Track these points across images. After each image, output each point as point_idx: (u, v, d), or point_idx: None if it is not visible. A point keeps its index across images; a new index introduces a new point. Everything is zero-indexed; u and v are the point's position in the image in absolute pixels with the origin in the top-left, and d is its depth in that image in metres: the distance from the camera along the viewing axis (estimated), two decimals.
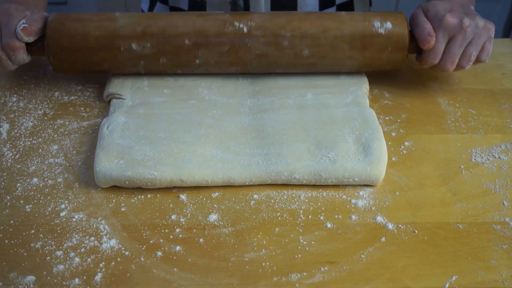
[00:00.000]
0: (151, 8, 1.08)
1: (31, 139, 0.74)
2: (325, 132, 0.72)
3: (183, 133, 0.71)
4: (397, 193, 0.68)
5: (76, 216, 0.63)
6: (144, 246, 0.60)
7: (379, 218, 0.64)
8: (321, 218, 0.64)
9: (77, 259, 0.58)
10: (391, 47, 0.80)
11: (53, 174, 0.69)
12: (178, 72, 0.82)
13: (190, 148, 0.68)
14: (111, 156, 0.67)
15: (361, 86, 0.82)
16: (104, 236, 0.61)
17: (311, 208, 0.65)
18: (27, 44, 0.78)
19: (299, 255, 0.60)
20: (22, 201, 0.65)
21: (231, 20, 0.79)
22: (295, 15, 0.81)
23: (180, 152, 0.68)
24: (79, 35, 0.77)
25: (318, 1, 1.02)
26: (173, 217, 0.64)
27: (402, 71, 0.87)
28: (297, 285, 0.57)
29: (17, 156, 0.72)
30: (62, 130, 0.76)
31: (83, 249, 0.60)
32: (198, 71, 0.82)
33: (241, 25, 0.78)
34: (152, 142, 0.69)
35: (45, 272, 0.57)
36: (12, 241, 0.60)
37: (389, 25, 0.79)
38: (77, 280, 0.56)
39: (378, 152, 0.68)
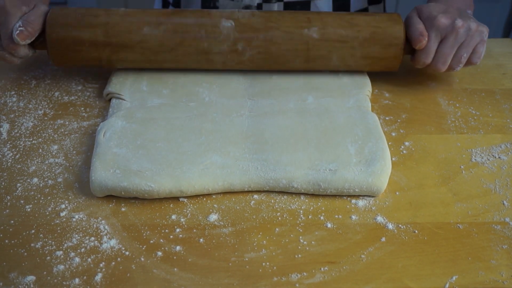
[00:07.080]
0: None
1: (31, 139, 0.74)
2: (326, 140, 0.71)
3: (183, 142, 0.70)
4: (397, 193, 0.68)
5: (76, 216, 0.63)
6: (144, 246, 0.60)
7: (379, 218, 0.64)
8: (321, 218, 0.64)
9: (77, 259, 0.58)
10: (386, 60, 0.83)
11: (53, 174, 0.69)
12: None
13: (190, 159, 0.67)
14: (107, 165, 0.66)
15: (363, 89, 0.82)
16: (104, 236, 0.61)
17: (311, 208, 0.65)
18: None
19: (299, 255, 0.60)
20: (22, 201, 0.65)
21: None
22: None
23: (179, 163, 0.66)
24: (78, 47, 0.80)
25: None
26: (173, 217, 0.64)
27: (402, 71, 0.87)
28: (297, 285, 0.57)
29: (17, 156, 0.72)
30: (62, 130, 0.76)
31: (83, 249, 0.60)
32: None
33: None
34: (150, 152, 0.68)
35: (45, 272, 0.57)
36: (12, 241, 0.60)
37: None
38: (77, 280, 0.56)
39: (382, 164, 0.67)
